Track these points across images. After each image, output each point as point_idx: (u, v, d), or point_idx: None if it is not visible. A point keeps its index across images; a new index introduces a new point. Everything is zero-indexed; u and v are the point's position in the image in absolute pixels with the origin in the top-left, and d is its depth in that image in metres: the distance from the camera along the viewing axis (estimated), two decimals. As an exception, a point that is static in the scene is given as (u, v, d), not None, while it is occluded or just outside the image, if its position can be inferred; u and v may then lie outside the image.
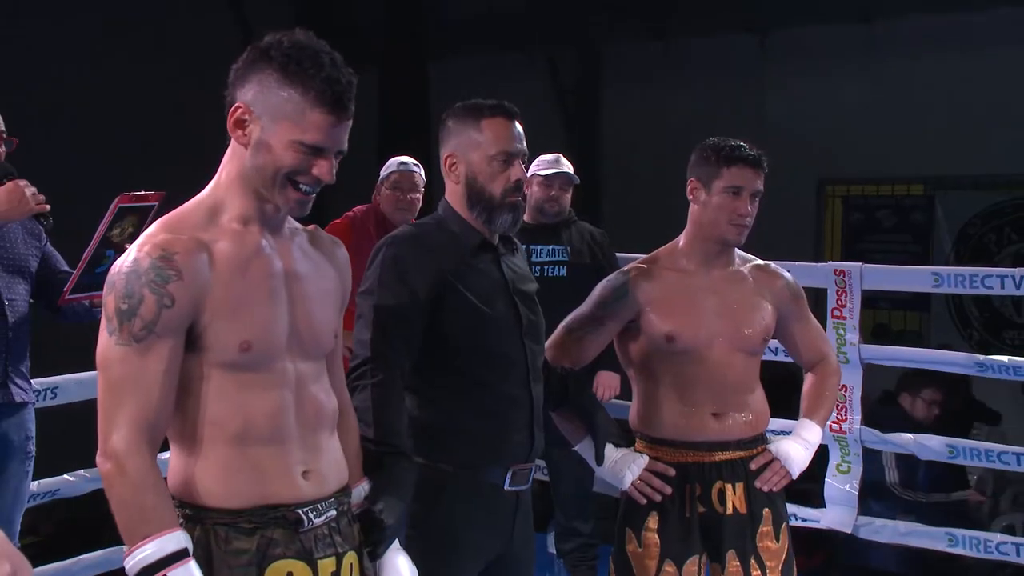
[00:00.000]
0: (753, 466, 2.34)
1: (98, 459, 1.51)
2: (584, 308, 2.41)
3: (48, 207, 2.56)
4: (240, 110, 1.56)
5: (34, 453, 2.72)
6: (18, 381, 2.65)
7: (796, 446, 2.39)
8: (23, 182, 2.51)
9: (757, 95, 6.65)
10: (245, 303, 1.56)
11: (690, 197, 2.36)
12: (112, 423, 1.49)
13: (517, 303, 2.13)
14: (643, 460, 2.30)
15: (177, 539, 1.48)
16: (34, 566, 3.16)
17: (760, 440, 2.39)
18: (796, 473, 2.37)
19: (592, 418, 2.27)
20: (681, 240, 2.41)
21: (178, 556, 1.47)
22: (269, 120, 1.54)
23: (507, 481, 2.09)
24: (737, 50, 6.74)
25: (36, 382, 2.82)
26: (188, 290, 1.51)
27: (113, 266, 1.54)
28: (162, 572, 1.46)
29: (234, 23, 6.13)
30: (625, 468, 2.28)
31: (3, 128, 2.61)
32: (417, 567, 1.77)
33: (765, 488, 2.33)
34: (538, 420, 2.14)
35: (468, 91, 2.22)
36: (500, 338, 2.08)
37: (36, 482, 2.88)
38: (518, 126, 2.10)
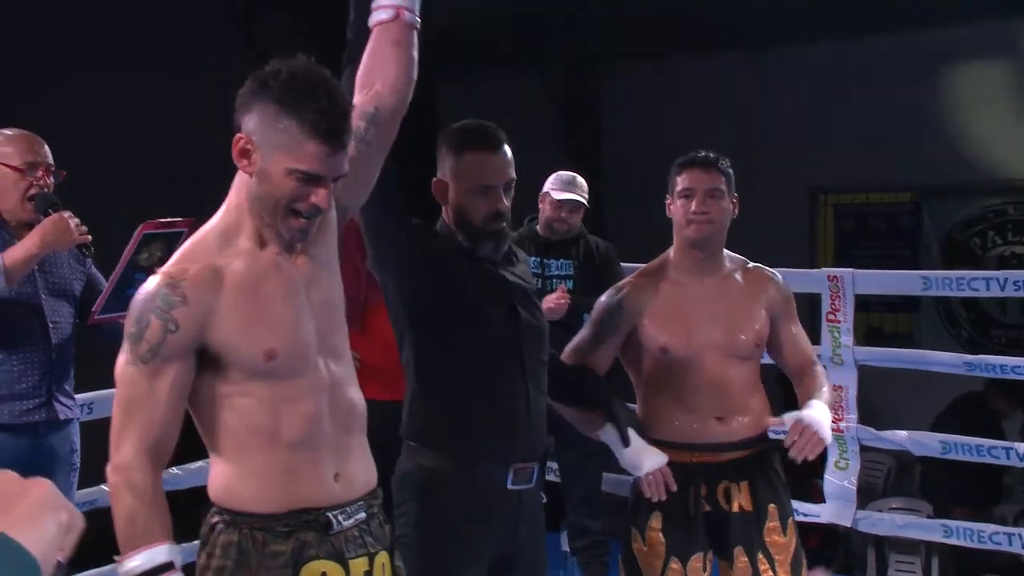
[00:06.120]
0: (787, 443, 2.25)
1: (107, 471, 1.57)
2: (585, 330, 2.46)
3: (90, 238, 2.60)
4: (243, 140, 1.59)
5: (79, 465, 2.78)
6: (62, 399, 2.70)
7: (817, 408, 2.29)
8: (67, 213, 2.55)
9: (750, 110, 6.75)
10: (262, 314, 1.59)
11: (668, 213, 2.44)
12: (121, 439, 1.56)
13: (517, 307, 2.16)
14: (662, 459, 2.27)
15: (166, 551, 1.52)
16: (77, 572, 3.26)
17: (764, 439, 2.40)
18: (828, 438, 2.27)
19: (610, 405, 2.29)
20: (671, 252, 2.46)
21: (165, 568, 1.51)
22: (269, 150, 1.57)
23: (509, 480, 2.09)
24: (730, 67, 6.84)
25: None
26: (193, 315, 1.56)
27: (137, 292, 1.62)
28: None
29: (244, 45, 6.26)
30: (644, 457, 2.26)
31: (51, 161, 2.64)
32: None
33: (800, 458, 2.23)
34: (536, 419, 2.15)
35: (473, 107, 2.24)
36: (499, 340, 2.12)
37: (76, 492, 2.90)
38: (503, 154, 2.11)
